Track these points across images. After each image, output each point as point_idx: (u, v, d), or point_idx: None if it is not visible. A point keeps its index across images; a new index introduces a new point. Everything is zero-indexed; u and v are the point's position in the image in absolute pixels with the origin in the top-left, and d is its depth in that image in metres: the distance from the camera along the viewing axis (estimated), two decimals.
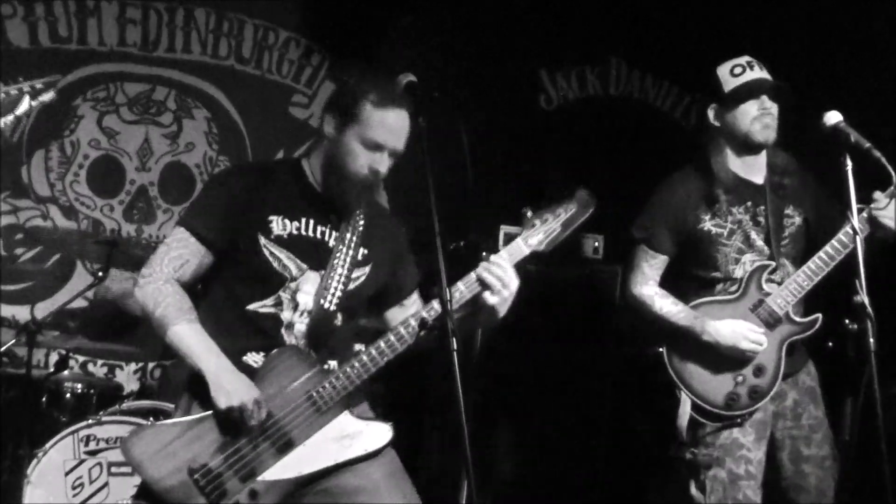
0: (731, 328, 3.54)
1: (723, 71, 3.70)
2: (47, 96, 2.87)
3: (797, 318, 3.60)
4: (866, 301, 3.00)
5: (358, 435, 2.82)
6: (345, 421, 2.83)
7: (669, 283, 3.72)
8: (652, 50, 6.18)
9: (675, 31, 6.04)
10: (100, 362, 5.28)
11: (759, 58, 3.77)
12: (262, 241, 2.87)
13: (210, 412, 2.76)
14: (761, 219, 3.66)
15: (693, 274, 3.69)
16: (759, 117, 3.59)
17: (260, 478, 2.76)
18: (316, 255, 2.91)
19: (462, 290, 2.83)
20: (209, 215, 2.90)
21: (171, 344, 2.82)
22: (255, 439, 2.76)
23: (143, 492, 2.79)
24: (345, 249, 2.94)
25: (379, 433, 2.87)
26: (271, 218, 2.89)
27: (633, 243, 3.75)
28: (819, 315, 3.60)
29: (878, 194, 3.42)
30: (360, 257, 2.95)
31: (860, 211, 3.28)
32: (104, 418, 4.11)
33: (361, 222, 2.98)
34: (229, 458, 2.75)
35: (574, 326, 5.04)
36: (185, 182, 5.54)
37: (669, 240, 3.68)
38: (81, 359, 5.19)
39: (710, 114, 3.71)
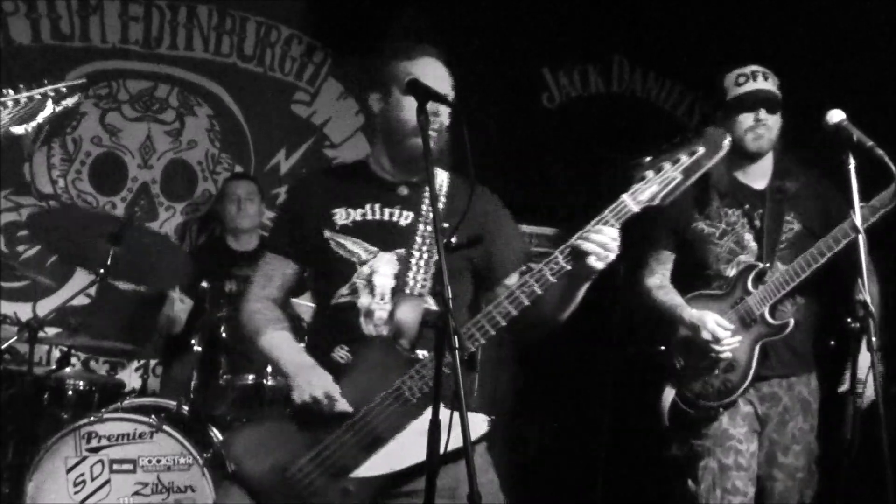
0: (699, 315, 3.64)
1: (728, 79, 3.76)
2: (72, 101, 2.76)
3: (771, 320, 3.66)
4: (868, 299, 3.00)
5: (445, 428, 2.44)
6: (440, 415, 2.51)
7: (676, 278, 3.86)
8: (654, 48, 6.17)
9: (677, 29, 6.03)
10: (101, 359, 5.28)
11: (762, 56, 3.78)
12: (328, 234, 2.87)
13: (302, 413, 2.75)
14: (758, 222, 3.73)
15: (691, 271, 3.80)
16: (752, 128, 3.67)
17: (352, 475, 2.70)
18: (386, 237, 2.86)
19: (559, 261, 2.69)
20: (280, 227, 3.06)
21: (262, 353, 2.92)
22: (342, 436, 2.71)
23: (244, 484, 2.77)
24: (423, 227, 2.86)
25: (474, 425, 2.57)
26: (335, 211, 2.89)
27: (640, 239, 3.81)
28: (791, 320, 3.66)
29: None
30: (446, 235, 2.68)
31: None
32: (106, 416, 4.10)
33: (443, 198, 2.87)
34: (319, 456, 2.71)
35: (573, 325, 5.04)
36: (187, 179, 5.55)
37: (668, 237, 3.80)
38: (83, 356, 5.19)
39: (717, 119, 3.75)
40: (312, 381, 2.73)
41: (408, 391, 2.71)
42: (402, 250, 2.86)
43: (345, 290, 2.84)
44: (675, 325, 3.74)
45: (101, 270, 4.38)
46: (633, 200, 2.69)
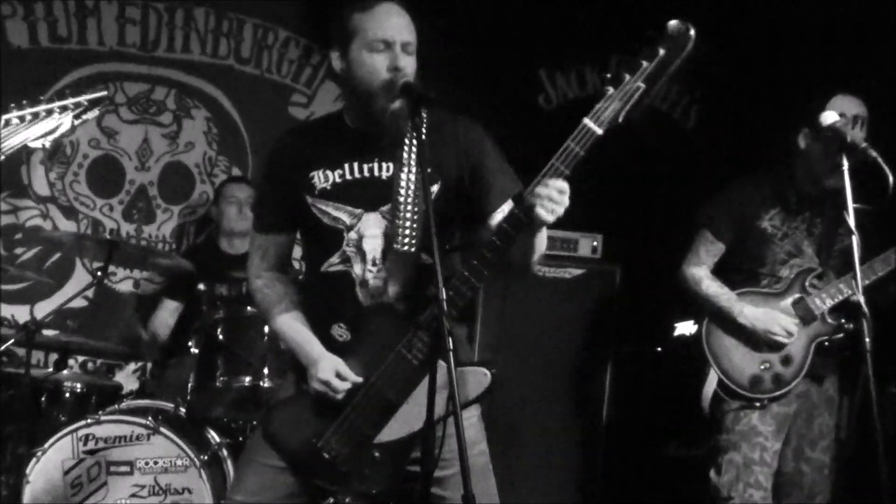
0: (766, 312, 3.79)
1: (830, 112, 3.55)
2: (91, 115, 2.64)
3: (830, 320, 3.80)
4: (862, 300, 3.02)
5: (458, 384, 2.41)
6: (441, 371, 2.49)
7: (718, 270, 3.99)
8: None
9: None
10: (99, 362, 5.28)
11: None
12: (309, 200, 2.81)
13: None
14: (815, 230, 3.87)
15: (742, 266, 3.93)
16: (833, 170, 3.53)
17: (375, 441, 2.74)
18: (368, 195, 2.79)
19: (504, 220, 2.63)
20: (264, 199, 3.00)
21: (278, 336, 3.17)
22: (358, 407, 2.73)
23: (280, 451, 2.81)
24: (405, 176, 2.76)
25: (478, 379, 2.71)
26: (312, 174, 2.82)
27: (696, 227, 3.99)
28: (851, 325, 3.76)
29: None
30: (427, 179, 2.57)
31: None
32: (103, 418, 4.11)
33: (418, 139, 2.60)
34: (340, 428, 2.74)
35: (572, 326, 5.05)
36: (184, 182, 5.55)
37: (730, 229, 3.92)
38: (81, 358, 5.20)
39: (804, 134, 3.80)
40: (322, 366, 2.74)
41: (409, 354, 2.69)
42: (387, 206, 2.79)
43: (335, 258, 2.81)
44: (719, 315, 3.84)
45: (99, 273, 4.39)
46: (596, 122, 2.51)
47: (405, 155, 2.77)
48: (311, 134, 2.95)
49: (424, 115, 2.64)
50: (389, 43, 2.73)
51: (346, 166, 2.82)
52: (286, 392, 2.96)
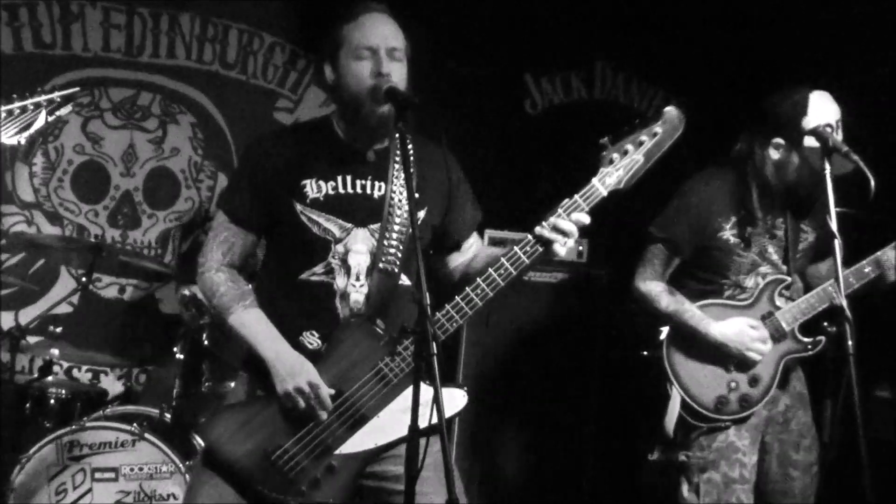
0: (737, 329, 3.57)
1: (814, 106, 3.50)
2: (64, 110, 2.72)
3: (801, 337, 3.65)
4: (844, 304, 3.02)
5: (427, 405, 2.45)
6: (422, 388, 2.52)
7: (674, 279, 3.76)
8: (637, 54, 6.20)
9: (659, 35, 6.06)
10: (84, 368, 5.27)
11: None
12: (299, 207, 2.81)
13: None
14: (778, 232, 3.68)
15: (701, 276, 3.72)
16: (813, 177, 3.45)
17: (336, 452, 2.74)
18: (359, 211, 2.82)
19: (525, 251, 2.72)
20: (243, 194, 2.89)
21: (232, 331, 2.84)
22: (327, 419, 2.73)
23: (219, 469, 2.75)
24: (396, 198, 2.82)
25: (454, 399, 2.76)
26: (304, 182, 2.82)
27: (649, 240, 3.75)
28: (823, 338, 3.64)
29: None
30: (415, 204, 2.66)
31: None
32: (87, 424, 4.10)
33: (410, 162, 2.66)
34: (303, 438, 2.73)
35: (559, 330, 5.05)
36: (170, 187, 5.53)
37: (688, 243, 3.68)
38: (66, 364, 5.18)
39: (776, 145, 3.59)
40: (296, 371, 2.72)
41: (389, 372, 2.74)
42: (376, 225, 2.83)
43: (319, 268, 2.82)
44: (683, 334, 3.62)
45: (83, 279, 4.38)
46: (602, 185, 2.74)
47: (396, 176, 2.84)
48: (300, 140, 2.94)
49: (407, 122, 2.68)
50: (374, 49, 2.79)
51: (340, 179, 2.84)
52: (236, 396, 2.92)
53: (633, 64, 6.27)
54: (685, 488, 3.65)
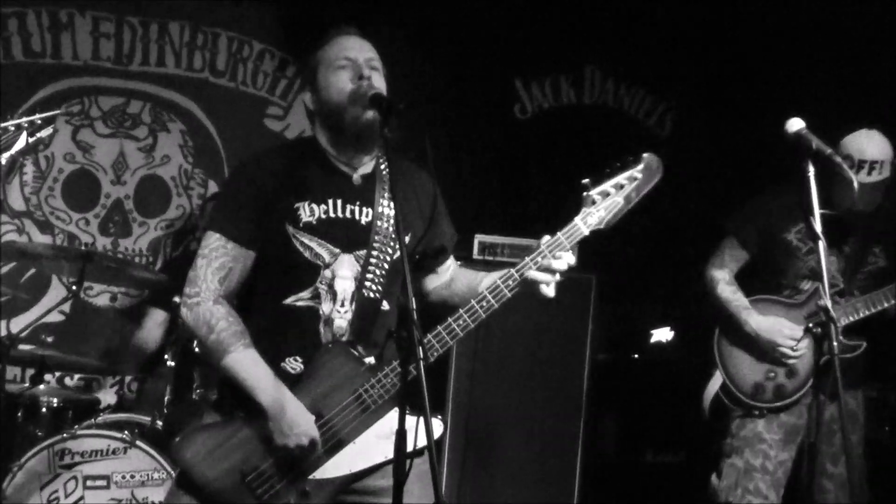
0: (772, 323, 3.83)
1: (853, 145, 3.75)
2: (45, 132, 2.77)
3: (843, 339, 3.74)
4: (829, 305, 3.04)
5: (410, 430, 2.44)
6: (395, 416, 2.51)
7: (741, 277, 4.05)
8: (626, 58, 6.23)
9: (649, 39, 6.09)
10: (76, 376, 5.27)
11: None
12: (291, 230, 2.77)
13: (259, 416, 2.71)
14: (846, 248, 3.89)
15: (764, 275, 4.00)
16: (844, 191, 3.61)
17: (311, 477, 2.73)
18: (347, 237, 2.81)
19: (508, 285, 2.79)
20: (240, 213, 2.79)
21: (227, 370, 2.72)
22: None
23: (192, 491, 2.73)
24: (381, 226, 2.84)
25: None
26: (298, 205, 2.79)
27: (724, 233, 4.07)
28: (864, 343, 3.82)
29: None
30: (400, 229, 2.58)
31: None
32: (79, 432, 4.10)
33: (394, 189, 2.69)
34: (279, 461, 2.72)
35: (549, 334, 5.06)
36: (160, 195, 5.54)
37: (756, 240, 3.98)
38: (58, 373, 5.18)
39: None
40: (298, 425, 2.69)
41: (369, 398, 2.75)
42: (362, 251, 2.83)
43: (306, 293, 2.79)
44: (729, 320, 3.90)
45: (74, 287, 4.38)
46: (584, 224, 2.82)
47: (381, 203, 2.86)
48: (290, 160, 2.88)
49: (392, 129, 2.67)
50: (352, 59, 2.83)
51: (330, 203, 2.83)
52: (220, 413, 2.86)
53: (622, 68, 6.30)
54: (714, 473, 3.90)
